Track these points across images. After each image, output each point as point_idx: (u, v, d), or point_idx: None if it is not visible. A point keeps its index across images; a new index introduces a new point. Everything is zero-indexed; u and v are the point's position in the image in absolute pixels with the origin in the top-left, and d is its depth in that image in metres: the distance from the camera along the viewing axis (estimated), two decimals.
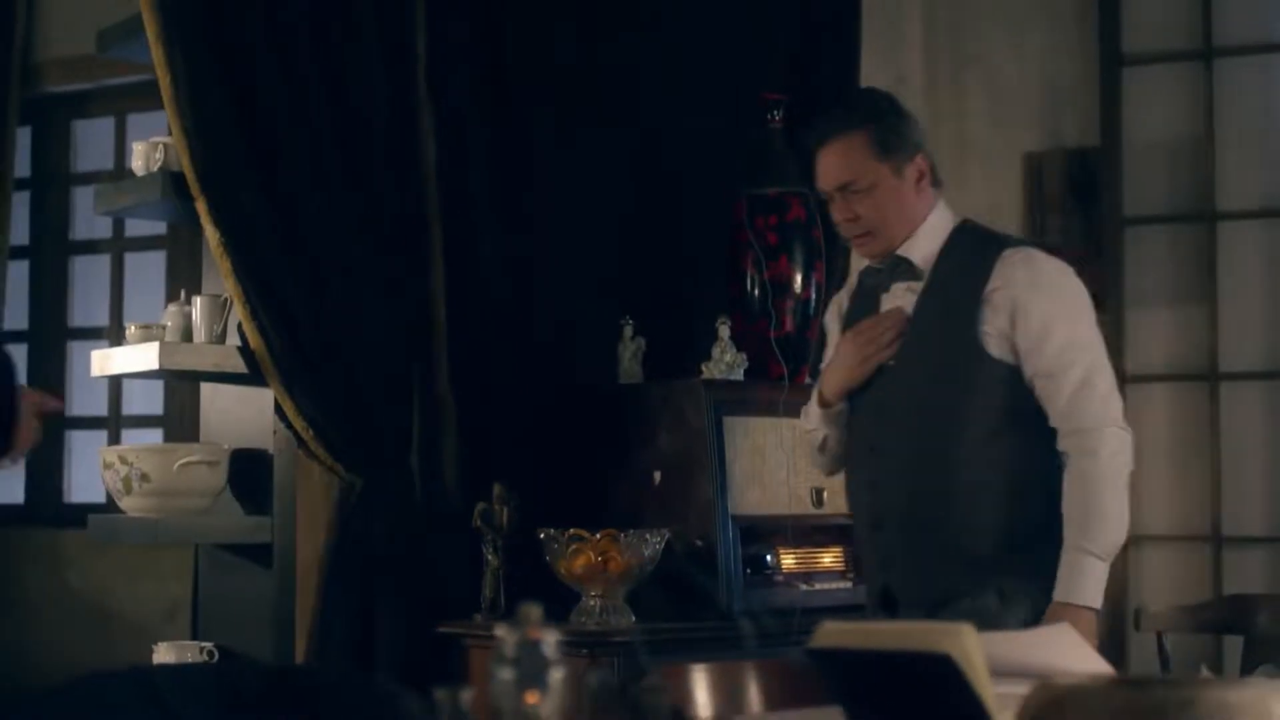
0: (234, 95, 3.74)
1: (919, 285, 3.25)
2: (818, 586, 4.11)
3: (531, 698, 1.44)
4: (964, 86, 5.24)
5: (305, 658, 3.76)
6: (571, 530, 3.77)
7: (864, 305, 3.35)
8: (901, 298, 3.27)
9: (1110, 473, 3.10)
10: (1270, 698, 1.47)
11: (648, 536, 3.77)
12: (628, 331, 4.23)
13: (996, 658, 1.90)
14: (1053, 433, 3.15)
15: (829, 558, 4.18)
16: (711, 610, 3.87)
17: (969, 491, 3.14)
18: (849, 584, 4.17)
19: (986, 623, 2.43)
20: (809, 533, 4.14)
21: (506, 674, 1.45)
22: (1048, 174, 5.13)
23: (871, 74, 4.97)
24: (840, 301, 3.47)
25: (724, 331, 4.17)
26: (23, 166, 5.84)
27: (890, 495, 3.20)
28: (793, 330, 4.29)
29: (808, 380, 4.38)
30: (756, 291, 4.24)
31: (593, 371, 4.25)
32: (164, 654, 4.00)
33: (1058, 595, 3.06)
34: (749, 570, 3.97)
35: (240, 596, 4.20)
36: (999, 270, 3.21)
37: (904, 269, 3.27)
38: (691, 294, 4.42)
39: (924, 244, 3.26)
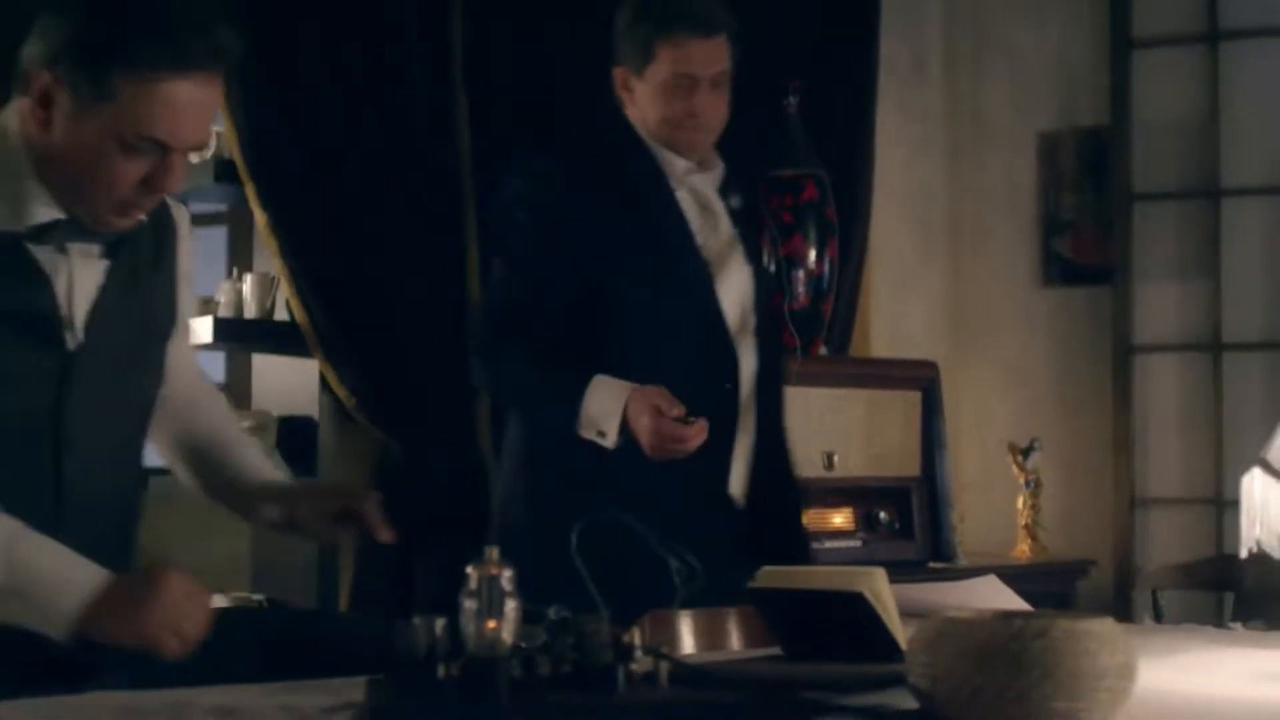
0: (282, 88, 4.03)
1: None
2: (828, 545, 4.37)
3: (491, 624, 1.72)
4: (982, 68, 5.46)
5: (347, 608, 4.06)
6: None
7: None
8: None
9: None
10: (1114, 628, 1.74)
11: None
12: None
13: (928, 603, 2.17)
14: None
15: (839, 518, 4.44)
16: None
17: None
18: (859, 543, 4.44)
19: None
20: (820, 494, 4.40)
21: (470, 604, 1.73)
22: (1061, 152, 5.36)
23: (890, 56, 5.21)
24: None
25: None
26: None
27: None
28: (806, 304, 4.54)
29: (822, 351, 4.64)
30: (772, 267, 4.50)
31: None
32: (217, 603, 4.30)
33: None
34: None
35: (292, 552, 4.50)
36: None
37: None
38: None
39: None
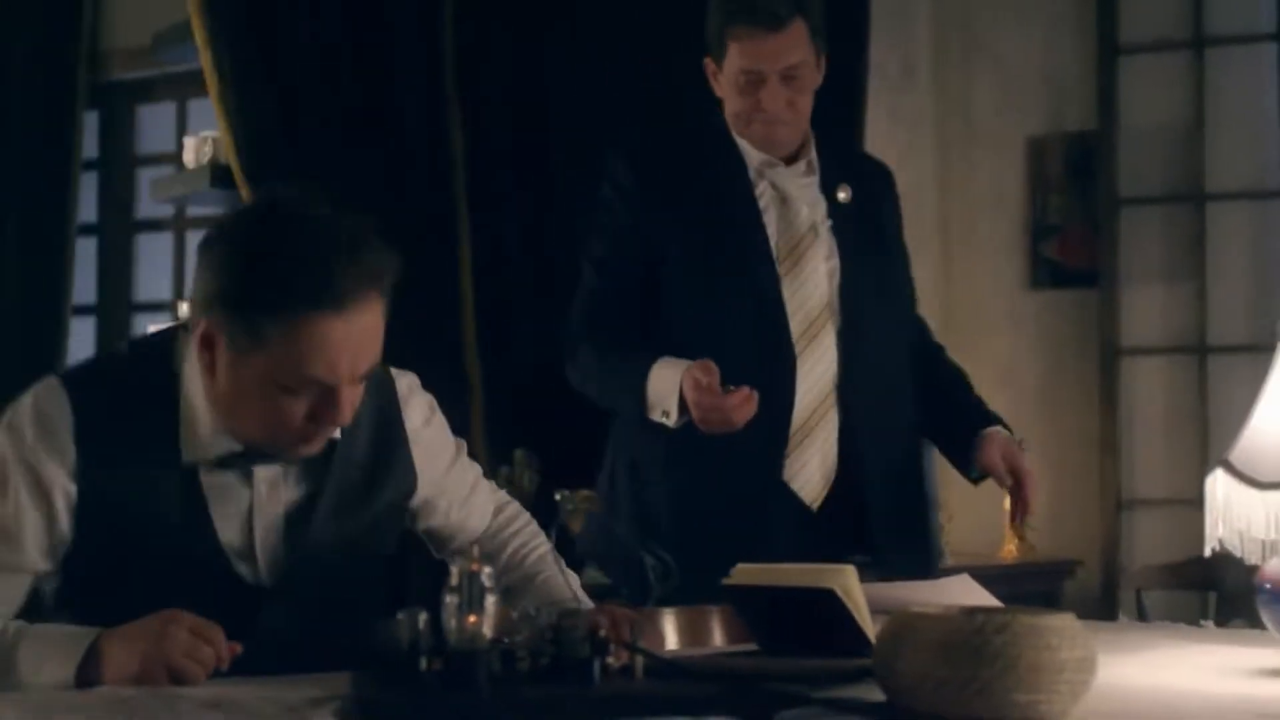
0: (277, 95, 4.10)
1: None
2: None
3: (471, 618, 1.78)
4: (971, 73, 5.52)
5: None
6: (581, 491, 4.10)
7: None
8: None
9: None
10: (1074, 624, 1.80)
11: None
12: None
13: (899, 600, 2.23)
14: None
15: None
16: None
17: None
18: None
19: None
20: None
21: (452, 599, 1.79)
22: (1049, 156, 5.42)
23: (879, 61, 5.26)
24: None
25: None
26: (90, 149, 6.20)
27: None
28: None
29: None
30: None
31: None
32: None
33: None
34: None
35: None
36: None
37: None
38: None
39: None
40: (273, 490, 2.20)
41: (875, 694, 1.84)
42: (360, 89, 4.23)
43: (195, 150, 4.31)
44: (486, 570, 1.79)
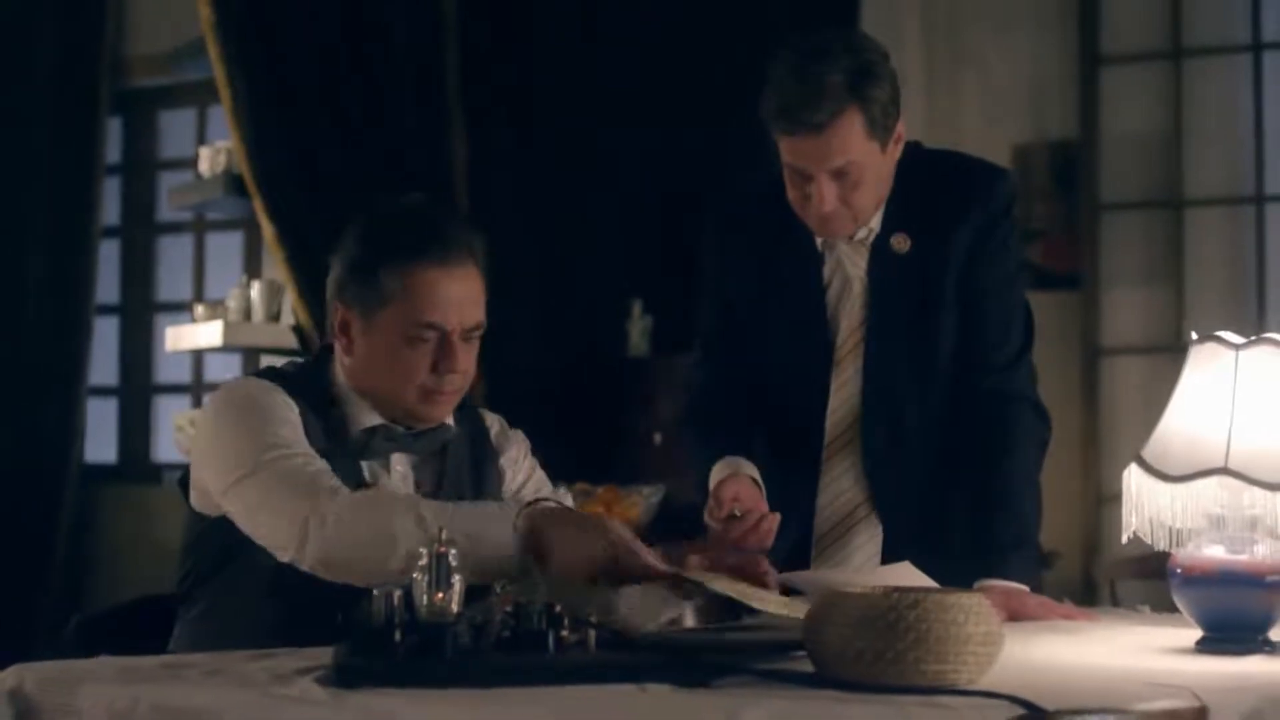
0: (286, 108, 4.32)
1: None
2: None
3: (439, 595, 1.99)
4: (959, 84, 5.71)
5: None
6: (578, 484, 4.31)
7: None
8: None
9: None
10: (981, 602, 2.00)
11: (645, 490, 4.31)
12: (637, 311, 4.76)
13: (843, 584, 2.43)
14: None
15: None
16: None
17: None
18: None
19: None
20: None
21: (422, 578, 2.00)
22: (1034, 164, 5.61)
23: None
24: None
25: None
26: (114, 154, 6.42)
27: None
28: None
29: None
30: None
31: (605, 346, 4.79)
32: None
33: None
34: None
35: None
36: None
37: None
38: (695, 277, 4.93)
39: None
40: (404, 476, 2.54)
41: (806, 665, 2.04)
42: (364, 98, 4.43)
43: (210, 160, 4.53)
44: (453, 551, 2.00)
